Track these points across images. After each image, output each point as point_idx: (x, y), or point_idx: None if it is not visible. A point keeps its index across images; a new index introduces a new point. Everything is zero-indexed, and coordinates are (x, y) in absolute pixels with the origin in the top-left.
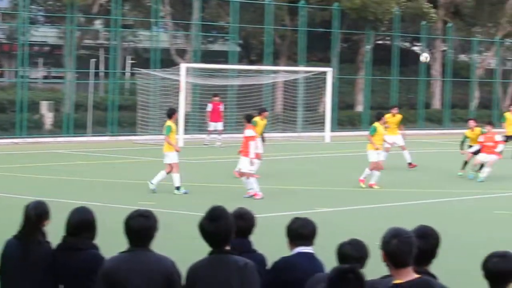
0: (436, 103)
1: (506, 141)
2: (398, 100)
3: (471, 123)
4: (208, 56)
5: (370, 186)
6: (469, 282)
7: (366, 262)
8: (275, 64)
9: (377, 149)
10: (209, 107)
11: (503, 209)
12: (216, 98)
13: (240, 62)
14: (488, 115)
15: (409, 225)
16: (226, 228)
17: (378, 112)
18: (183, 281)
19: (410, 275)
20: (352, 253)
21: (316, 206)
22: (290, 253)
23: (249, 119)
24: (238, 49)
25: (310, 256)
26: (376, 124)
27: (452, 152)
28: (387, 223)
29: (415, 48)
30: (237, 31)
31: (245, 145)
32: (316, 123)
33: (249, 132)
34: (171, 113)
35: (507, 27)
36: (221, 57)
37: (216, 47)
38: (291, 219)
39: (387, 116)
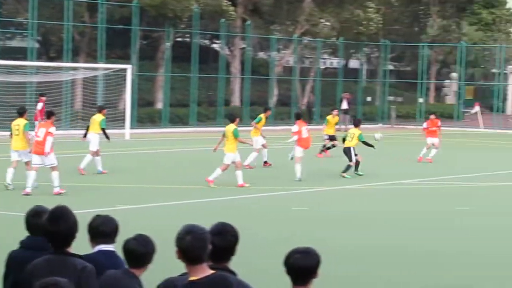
0: (236, 100)
1: (330, 140)
2: (198, 98)
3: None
4: (6, 53)
5: (208, 181)
6: (268, 280)
7: (152, 257)
8: (74, 61)
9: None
10: (40, 105)
11: (301, 205)
12: (43, 98)
13: (39, 58)
14: (287, 112)
15: (209, 222)
16: (66, 228)
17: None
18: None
19: (206, 271)
20: (137, 248)
21: (118, 203)
22: (91, 250)
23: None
24: (37, 45)
25: (111, 254)
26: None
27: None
28: (187, 219)
29: (215, 46)
30: (35, 27)
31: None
32: (116, 120)
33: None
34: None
35: (305, 25)
36: (19, 53)
37: (14, 43)
38: (92, 217)
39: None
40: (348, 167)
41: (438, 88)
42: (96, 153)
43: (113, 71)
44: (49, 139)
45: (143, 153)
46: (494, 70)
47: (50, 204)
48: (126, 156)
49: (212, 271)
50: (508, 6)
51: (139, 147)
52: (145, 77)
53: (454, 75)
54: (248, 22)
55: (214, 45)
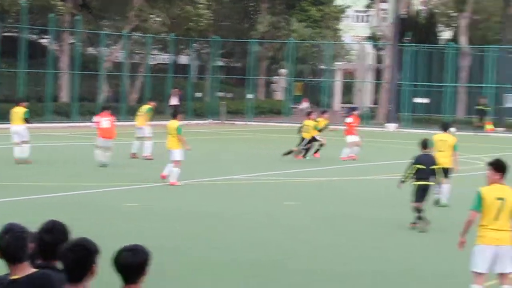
0: (64, 96)
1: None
2: (26, 93)
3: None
4: None
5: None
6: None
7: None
8: None
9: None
10: None
11: (133, 201)
12: None
13: None
14: (116, 107)
15: (39, 219)
16: None
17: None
18: None
19: (27, 270)
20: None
21: None
22: None
23: None
24: None
25: None
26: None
27: (80, 145)
28: (12, 218)
29: (43, 41)
30: None
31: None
32: None
33: None
34: None
35: (135, 21)
36: None
37: None
38: None
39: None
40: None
41: (268, 84)
42: None
43: None
44: None
45: None
46: (322, 67)
47: None
48: None
49: (34, 270)
50: (336, 3)
51: None
52: None
53: (283, 71)
54: (78, 17)
55: (43, 40)
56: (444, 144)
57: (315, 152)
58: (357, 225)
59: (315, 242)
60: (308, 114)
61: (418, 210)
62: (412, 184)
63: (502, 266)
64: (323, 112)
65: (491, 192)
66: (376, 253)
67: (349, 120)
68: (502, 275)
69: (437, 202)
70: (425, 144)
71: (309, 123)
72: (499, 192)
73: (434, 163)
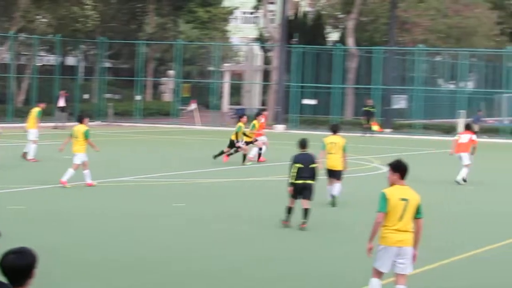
0: None
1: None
2: None
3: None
4: None
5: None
6: None
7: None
8: None
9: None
10: None
11: (17, 204)
12: None
13: None
14: (3, 109)
15: None
16: None
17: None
18: None
19: None
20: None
21: None
22: None
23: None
24: None
25: None
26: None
27: None
28: None
29: None
30: None
31: None
32: None
33: None
34: None
35: (21, 22)
36: None
37: None
38: None
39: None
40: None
41: (156, 86)
42: None
43: None
44: None
45: None
46: (210, 68)
47: None
48: None
49: None
50: (223, 4)
51: None
52: None
53: (171, 72)
54: None
55: None
56: (335, 146)
57: (258, 157)
58: (239, 225)
59: (185, 244)
60: (240, 117)
61: (289, 208)
62: (290, 183)
63: (402, 266)
64: (241, 116)
65: (395, 193)
66: (250, 253)
67: (261, 120)
68: (399, 275)
69: (333, 203)
70: (302, 143)
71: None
72: (402, 193)
73: (313, 161)
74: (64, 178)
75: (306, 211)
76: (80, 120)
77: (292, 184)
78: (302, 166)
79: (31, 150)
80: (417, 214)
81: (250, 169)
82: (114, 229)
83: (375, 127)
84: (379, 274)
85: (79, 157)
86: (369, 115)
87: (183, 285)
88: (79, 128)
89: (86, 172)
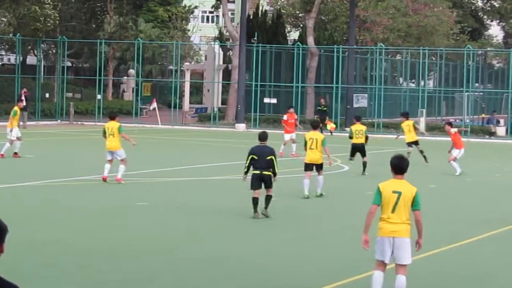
0: None
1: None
2: None
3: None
4: None
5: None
6: None
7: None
8: None
9: None
10: None
11: None
12: None
13: None
14: None
15: None
16: None
17: None
18: None
19: None
20: None
21: None
22: None
23: None
24: None
25: None
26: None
27: None
28: None
29: None
30: None
31: None
32: None
33: None
34: None
35: None
36: None
37: None
38: None
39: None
40: None
41: (116, 85)
42: None
43: None
44: None
45: None
46: (171, 67)
47: None
48: None
49: None
50: (183, 4)
51: None
52: None
53: (131, 71)
54: None
55: None
56: (314, 142)
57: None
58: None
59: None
60: None
61: (254, 198)
62: (250, 174)
63: (398, 257)
64: None
65: (388, 186)
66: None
67: (284, 117)
68: (398, 265)
69: (320, 195)
70: (261, 136)
71: None
72: (396, 186)
73: (269, 154)
74: (119, 175)
75: (267, 198)
76: (112, 117)
77: (246, 173)
78: (257, 157)
79: (5, 148)
80: (414, 206)
81: (206, 168)
82: (81, 226)
83: (329, 126)
84: (381, 266)
85: (119, 154)
86: (323, 114)
87: (152, 282)
88: (113, 125)
89: (122, 167)
